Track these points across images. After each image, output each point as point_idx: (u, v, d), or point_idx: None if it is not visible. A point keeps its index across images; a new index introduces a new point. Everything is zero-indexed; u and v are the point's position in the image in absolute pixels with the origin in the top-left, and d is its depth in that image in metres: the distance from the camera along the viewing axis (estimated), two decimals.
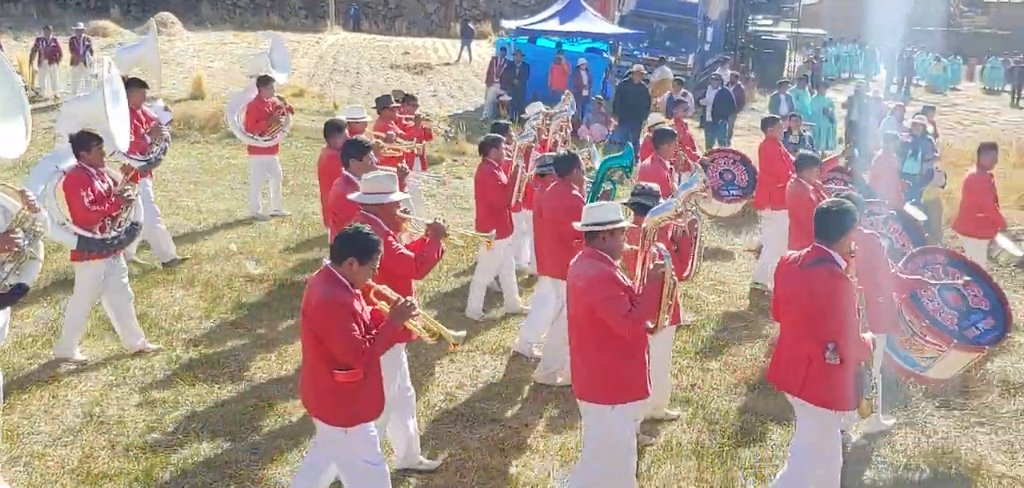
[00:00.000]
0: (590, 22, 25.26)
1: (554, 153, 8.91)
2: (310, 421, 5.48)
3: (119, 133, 8.58)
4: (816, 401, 5.35)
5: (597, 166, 9.97)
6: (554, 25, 24.79)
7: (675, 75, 22.10)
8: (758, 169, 11.81)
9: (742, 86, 21.70)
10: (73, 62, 21.87)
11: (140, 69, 16.31)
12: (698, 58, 27.24)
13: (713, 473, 6.58)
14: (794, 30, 36.72)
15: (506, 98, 22.00)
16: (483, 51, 33.60)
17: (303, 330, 5.00)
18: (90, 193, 7.48)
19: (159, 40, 22.06)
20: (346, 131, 9.79)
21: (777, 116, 13.48)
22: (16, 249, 5.81)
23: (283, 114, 12.78)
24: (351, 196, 6.27)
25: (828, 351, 5.16)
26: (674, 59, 26.12)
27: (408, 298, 5.03)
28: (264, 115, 12.63)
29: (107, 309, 8.09)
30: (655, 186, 6.86)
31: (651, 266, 5.34)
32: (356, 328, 4.78)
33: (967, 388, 8.11)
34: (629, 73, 20.02)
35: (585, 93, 21.50)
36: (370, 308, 5.04)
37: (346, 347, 4.75)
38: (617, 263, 5.41)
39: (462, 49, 33.74)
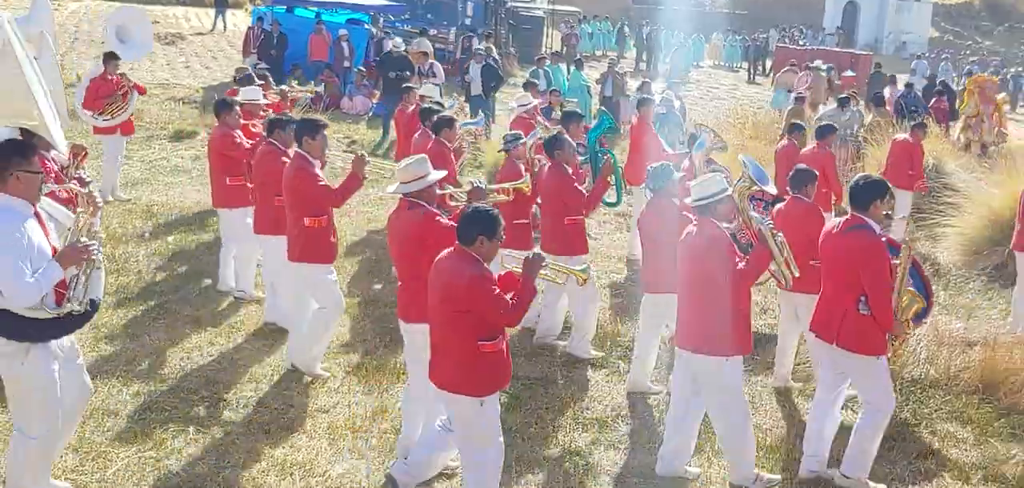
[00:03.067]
0: None
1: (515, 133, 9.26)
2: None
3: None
4: None
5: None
6: None
7: (436, 48, 22.22)
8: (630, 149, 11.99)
9: (497, 60, 22.00)
10: None
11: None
12: (459, 32, 27.43)
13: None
14: (551, 7, 37.73)
15: (264, 68, 21.25)
16: (239, 20, 32.41)
17: (439, 313, 5.25)
18: None
19: None
20: (238, 109, 9.37)
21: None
22: (92, 259, 5.11)
23: (126, 93, 12.09)
24: (391, 189, 6.28)
25: None
26: (436, 32, 26.15)
27: (536, 251, 5.53)
28: (103, 94, 11.91)
29: None
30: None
31: (757, 230, 5.96)
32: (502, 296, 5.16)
33: None
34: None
35: (347, 65, 21.16)
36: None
37: (503, 314, 5.13)
38: (724, 226, 5.97)
39: (216, 18, 32.23)
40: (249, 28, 23.60)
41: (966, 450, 7.02)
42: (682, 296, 6.19)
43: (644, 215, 7.56)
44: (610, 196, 9.56)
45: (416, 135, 10.51)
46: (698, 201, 5.97)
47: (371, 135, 18.22)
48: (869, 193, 6.11)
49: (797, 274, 6.24)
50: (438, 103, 11.81)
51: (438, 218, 6.02)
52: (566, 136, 8.52)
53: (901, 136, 13.00)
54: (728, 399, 6.09)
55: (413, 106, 12.05)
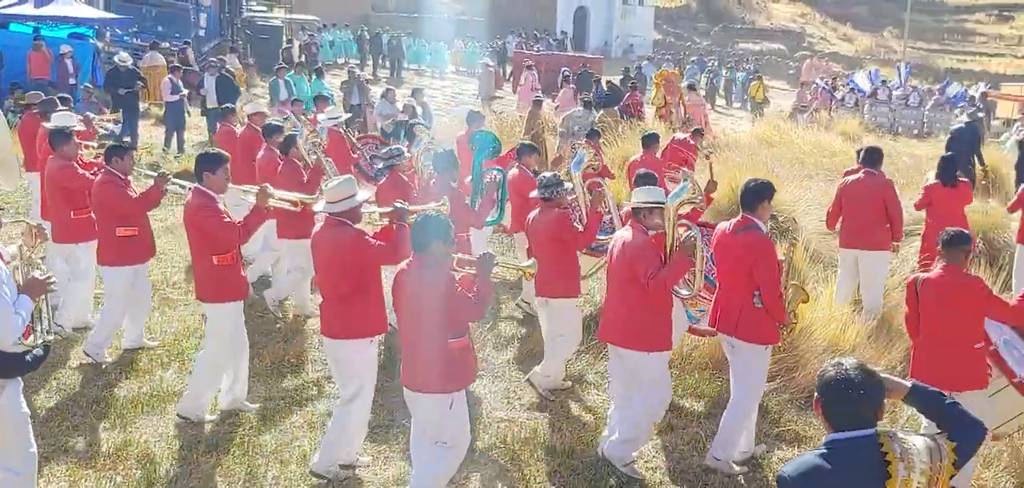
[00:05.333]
0: (71, 6, 23.44)
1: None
2: None
3: None
4: None
5: None
6: (29, 9, 22.61)
7: (168, 61, 21.49)
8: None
9: (232, 71, 21.56)
10: None
11: None
12: (194, 44, 26.58)
13: None
14: (288, 16, 37.23)
15: None
16: None
17: (409, 319, 5.56)
18: None
19: None
20: (75, 139, 8.76)
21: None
22: (52, 289, 5.30)
23: None
24: (318, 208, 6.49)
25: None
26: (168, 44, 25.21)
27: (487, 252, 5.84)
28: None
29: None
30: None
31: (681, 239, 6.33)
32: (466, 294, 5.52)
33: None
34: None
35: (72, 82, 20.00)
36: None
37: (470, 310, 5.54)
38: (651, 233, 6.43)
39: None
40: None
41: (702, 422, 7.66)
42: (611, 294, 6.64)
43: (532, 221, 7.94)
44: (494, 214, 9.68)
45: (259, 154, 10.25)
46: (637, 205, 6.46)
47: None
48: (756, 195, 6.60)
49: (702, 283, 6.67)
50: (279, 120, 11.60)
51: (367, 237, 6.24)
52: (453, 153, 8.91)
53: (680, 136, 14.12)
54: (648, 391, 6.52)
55: (240, 125, 11.94)
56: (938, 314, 6.32)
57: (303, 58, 28.56)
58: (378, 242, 6.35)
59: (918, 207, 10.47)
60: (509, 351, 9.00)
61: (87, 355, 8.23)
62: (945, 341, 6.30)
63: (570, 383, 8.27)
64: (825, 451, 3.32)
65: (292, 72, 21.75)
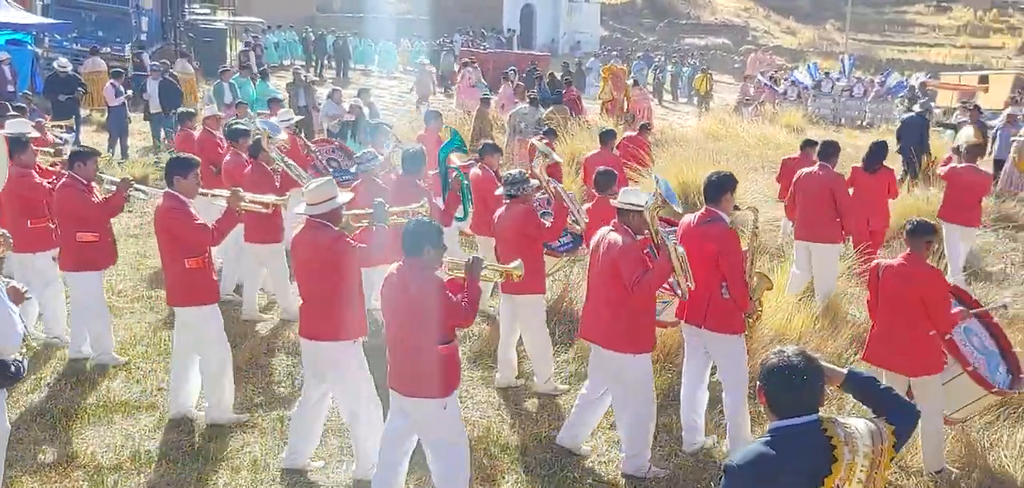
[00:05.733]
0: (7, 11, 22.93)
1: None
2: None
3: None
4: None
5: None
6: None
7: (111, 67, 21.18)
8: None
9: (176, 76, 21.30)
10: None
11: None
12: (135, 48, 26.15)
13: None
14: (232, 18, 36.79)
15: None
16: None
17: (398, 324, 5.58)
18: None
19: None
20: (33, 147, 8.59)
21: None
22: (27, 297, 5.27)
23: None
24: (297, 210, 6.42)
25: None
26: (109, 49, 24.78)
27: (475, 256, 5.97)
28: None
29: None
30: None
31: (661, 243, 6.31)
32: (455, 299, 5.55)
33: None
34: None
35: (11, 89, 19.57)
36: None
37: (461, 316, 5.57)
38: (639, 237, 6.41)
39: None
40: None
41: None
42: (592, 292, 6.65)
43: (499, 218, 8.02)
44: (459, 212, 9.74)
45: (226, 158, 10.15)
46: (621, 205, 6.44)
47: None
48: (719, 188, 6.70)
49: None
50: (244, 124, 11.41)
51: (347, 239, 6.23)
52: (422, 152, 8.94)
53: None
54: (632, 392, 6.51)
55: (199, 129, 11.92)
56: (897, 300, 6.52)
57: (251, 61, 28.26)
58: (358, 244, 6.35)
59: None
60: (462, 349, 8.99)
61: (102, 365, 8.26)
62: (902, 327, 6.50)
63: (523, 380, 8.33)
64: (769, 438, 3.38)
65: (237, 75, 21.52)
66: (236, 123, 11.12)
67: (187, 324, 7.19)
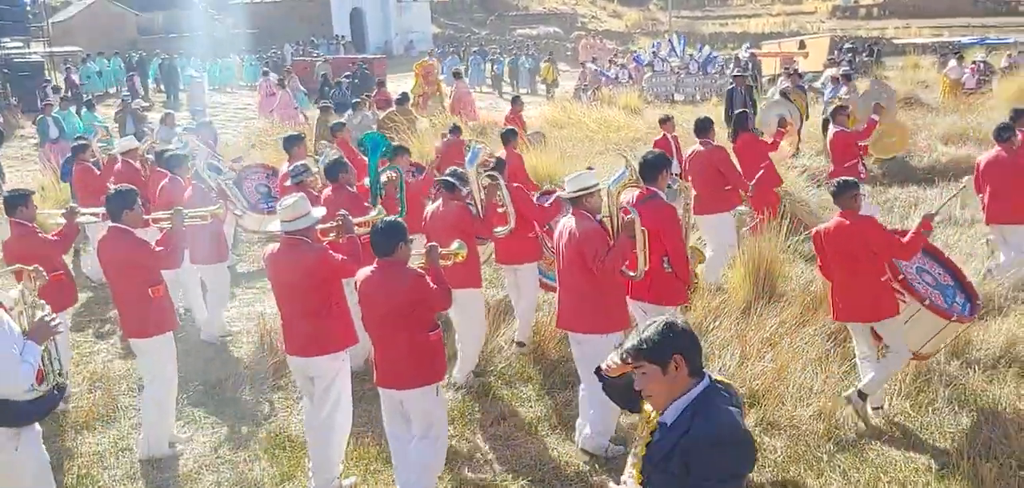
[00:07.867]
0: None
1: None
2: None
3: None
4: None
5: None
6: None
7: None
8: None
9: None
10: None
11: None
12: None
13: None
14: (49, 49, 35.00)
15: None
16: None
17: (384, 324, 5.74)
18: None
19: None
20: None
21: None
22: (58, 330, 5.13)
23: None
24: (269, 227, 6.53)
25: None
26: None
27: (431, 244, 6.19)
28: None
29: None
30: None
31: (624, 220, 6.48)
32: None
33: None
34: None
35: None
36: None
37: (439, 300, 5.81)
38: (596, 217, 6.58)
39: None
40: None
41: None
42: (562, 282, 6.72)
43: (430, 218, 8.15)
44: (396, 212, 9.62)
45: (162, 184, 9.96)
46: (572, 193, 6.53)
47: None
48: (655, 167, 7.02)
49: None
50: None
51: (330, 252, 6.31)
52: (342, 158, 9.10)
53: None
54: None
55: (95, 158, 11.95)
56: (842, 257, 6.97)
57: (68, 93, 26.95)
58: (340, 256, 6.39)
59: None
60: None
61: None
62: (854, 279, 6.95)
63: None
64: (721, 392, 3.41)
65: (58, 108, 20.52)
66: (174, 151, 10.98)
67: (147, 353, 7.10)
